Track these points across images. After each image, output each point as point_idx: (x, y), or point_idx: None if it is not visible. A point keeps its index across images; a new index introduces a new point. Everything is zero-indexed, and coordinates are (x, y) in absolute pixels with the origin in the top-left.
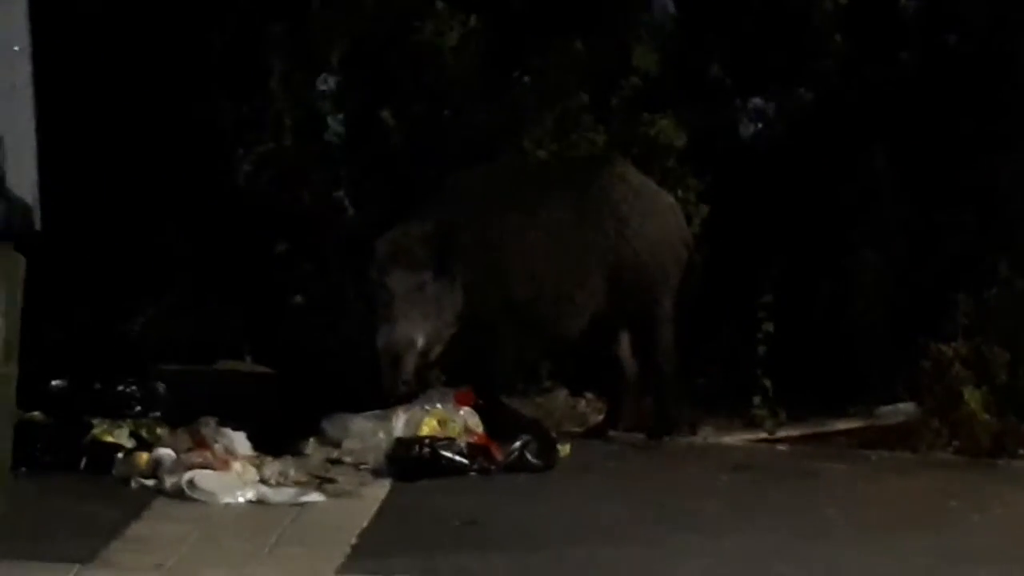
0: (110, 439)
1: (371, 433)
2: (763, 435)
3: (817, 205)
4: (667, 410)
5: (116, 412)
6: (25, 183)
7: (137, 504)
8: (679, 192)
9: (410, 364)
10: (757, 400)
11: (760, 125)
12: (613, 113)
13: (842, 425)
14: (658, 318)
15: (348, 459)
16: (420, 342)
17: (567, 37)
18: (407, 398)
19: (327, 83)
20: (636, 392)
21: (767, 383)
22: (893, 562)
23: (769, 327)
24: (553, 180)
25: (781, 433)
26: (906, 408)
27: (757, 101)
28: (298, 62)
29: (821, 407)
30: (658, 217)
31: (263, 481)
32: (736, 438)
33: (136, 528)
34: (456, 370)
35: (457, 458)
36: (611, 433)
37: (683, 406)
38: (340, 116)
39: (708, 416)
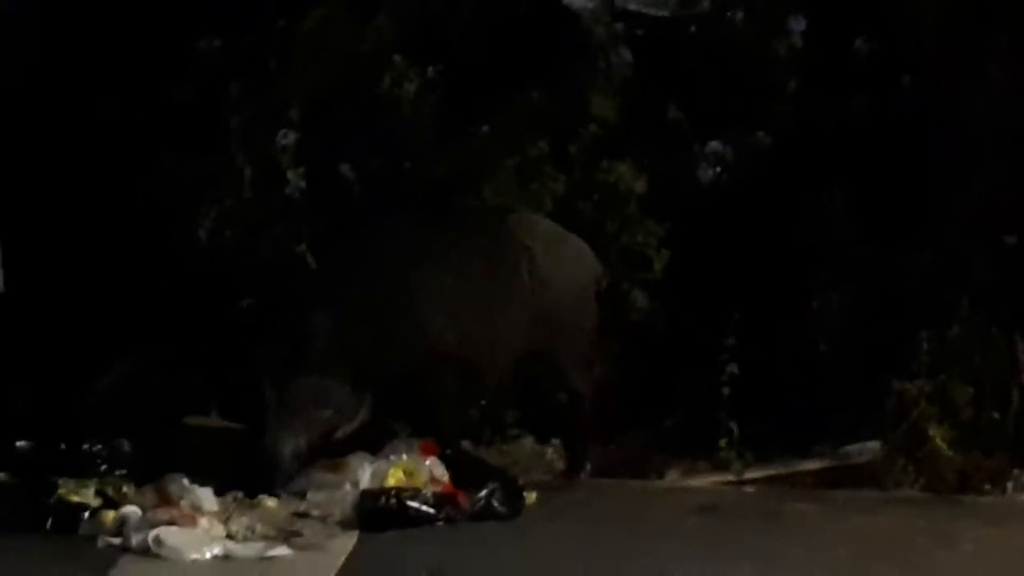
0: (76, 499)
1: (337, 485)
2: (730, 477)
3: (778, 247)
4: (579, 448)
5: (82, 471)
6: None
7: (104, 563)
8: (639, 237)
9: (289, 469)
10: (723, 442)
11: (719, 169)
12: (573, 161)
13: (808, 465)
14: (572, 359)
15: (314, 512)
16: (292, 447)
17: (525, 87)
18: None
19: (286, 138)
20: (591, 433)
21: (733, 425)
22: None
23: (734, 369)
24: (462, 228)
25: (748, 475)
26: (871, 447)
27: (715, 145)
28: (257, 118)
29: (787, 448)
30: (570, 259)
31: (230, 536)
32: (703, 480)
33: None
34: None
35: (424, 508)
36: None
37: (591, 445)
38: (300, 170)
39: (674, 459)
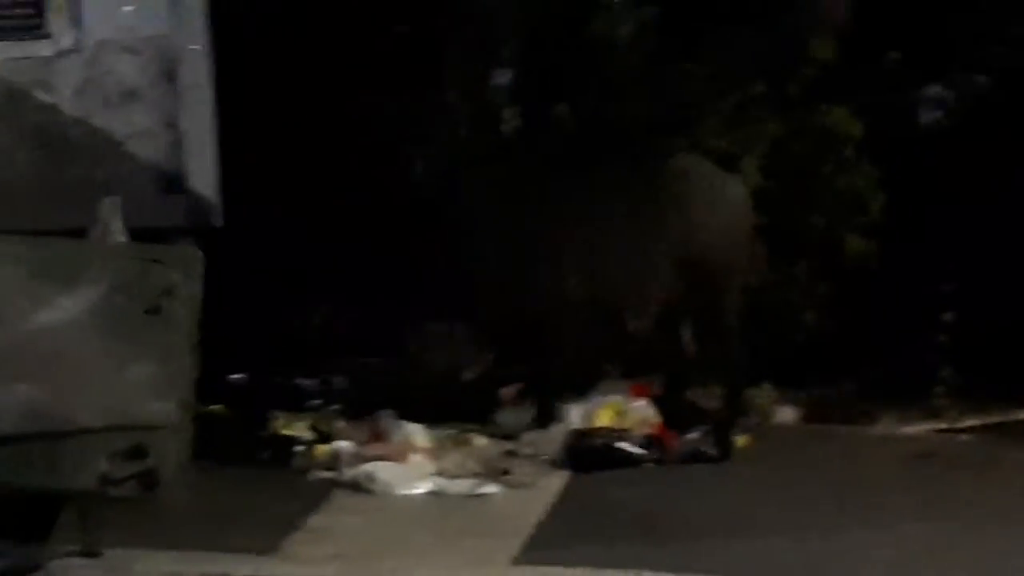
0: (290, 432)
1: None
2: (944, 425)
3: (997, 192)
4: (737, 400)
5: (295, 406)
6: (206, 179)
7: (316, 496)
8: (857, 181)
9: None
10: (939, 390)
11: (938, 112)
12: (789, 103)
13: None
14: (724, 307)
15: (525, 450)
16: None
17: (743, 28)
18: None
19: (502, 76)
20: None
21: (948, 372)
22: None
23: (950, 316)
24: (614, 173)
25: (963, 423)
26: None
27: (935, 88)
28: (474, 56)
29: (1004, 396)
30: (725, 207)
31: (440, 473)
32: (917, 428)
33: (315, 520)
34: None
35: (633, 449)
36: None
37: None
38: (515, 109)
39: (888, 406)
